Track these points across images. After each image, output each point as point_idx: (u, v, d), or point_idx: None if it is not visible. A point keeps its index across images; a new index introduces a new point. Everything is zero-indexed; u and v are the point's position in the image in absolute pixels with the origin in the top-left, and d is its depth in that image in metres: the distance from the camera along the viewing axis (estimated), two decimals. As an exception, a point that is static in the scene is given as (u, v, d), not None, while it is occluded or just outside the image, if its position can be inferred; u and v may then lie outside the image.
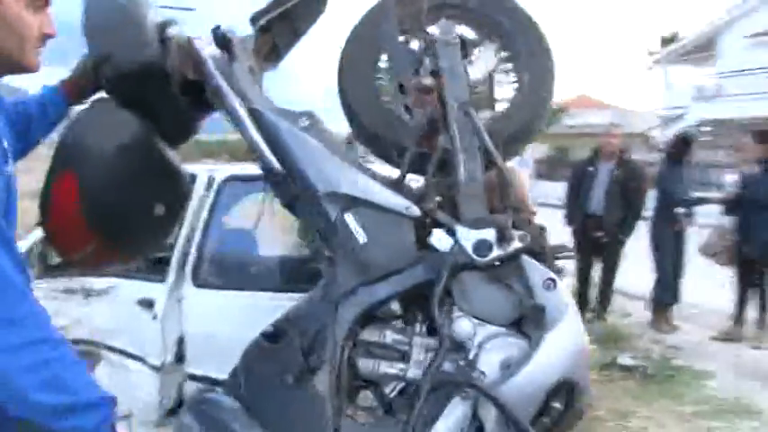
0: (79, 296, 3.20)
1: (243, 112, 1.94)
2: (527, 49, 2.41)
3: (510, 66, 2.44)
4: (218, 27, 2.08)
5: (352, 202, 1.86)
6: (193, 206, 2.96)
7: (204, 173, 3.04)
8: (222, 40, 2.06)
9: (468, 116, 2.01)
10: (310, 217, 1.99)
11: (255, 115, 1.96)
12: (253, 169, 3.00)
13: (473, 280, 1.86)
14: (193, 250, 2.90)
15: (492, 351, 1.79)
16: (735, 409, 4.18)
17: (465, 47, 2.29)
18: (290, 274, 3.10)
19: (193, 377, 2.81)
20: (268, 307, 2.83)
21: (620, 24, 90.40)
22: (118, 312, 3.07)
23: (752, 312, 5.75)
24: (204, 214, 2.93)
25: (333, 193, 1.86)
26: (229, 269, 3.13)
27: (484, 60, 2.36)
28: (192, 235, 2.92)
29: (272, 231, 3.24)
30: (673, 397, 4.29)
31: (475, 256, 1.84)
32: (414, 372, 1.84)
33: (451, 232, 1.87)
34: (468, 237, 1.86)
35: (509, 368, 1.75)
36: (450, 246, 1.84)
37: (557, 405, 1.80)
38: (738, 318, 5.77)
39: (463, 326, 1.81)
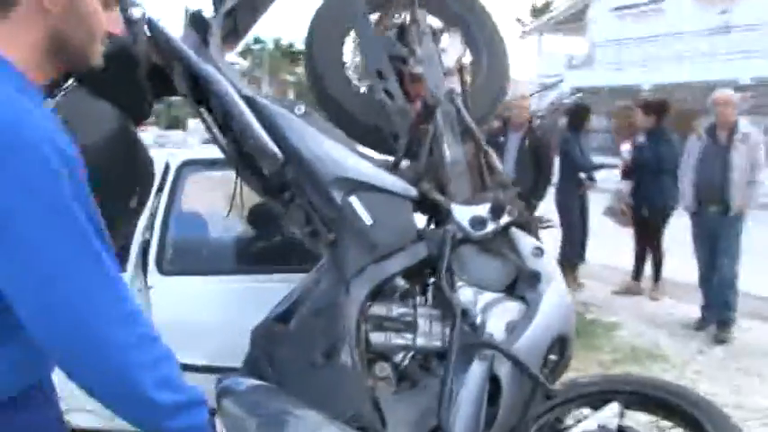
0: None
1: (238, 98, 1.96)
2: (483, 37, 2.56)
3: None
4: (199, 11, 2.08)
5: (357, 186, 1.96)
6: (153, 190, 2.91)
7: (161, 158, 2.99)
8: (202, 24, 2.06)
9: (453, 102, 2.14)
10: (311, 202, 2.05)
11: (250, 101, 1.98)
12: (209, 153, 3.00)
13: (470, 252, 2.02)
14: (156, 238, 2.86)
15: (496, 315, 1.96)
16: (645, 354, 4.66)
17: (434, 35, 2.41)
18: (253, 256, 3.13)
19: None
20: (236, 290, 2.87)
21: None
22: None
23: (648, 268, 6.34)
24: (163, 201, 2.89)
25: (337, 178, 1.94)
26: (193, 254, 3.11)
27: (453, 48, 2.48)
28: (152, 223, 2.88)
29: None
30: (592, 348, 4.68)
31: (472, 231, 2.00)
32: (421, 340, 1.97)
33: (448, 210, 2.01)
34: (464, 214, 2.01)
35: (514, 329, 1.93)
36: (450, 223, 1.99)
37: (553, 357, 2.00)
38: (637, 274, 6.35)
39: (466, 294, 1.98)
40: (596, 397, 2.08)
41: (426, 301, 2.05)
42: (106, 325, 1.08)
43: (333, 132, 2.03)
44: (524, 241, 2.06)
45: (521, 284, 2.03)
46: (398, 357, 1.99)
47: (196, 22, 2.08)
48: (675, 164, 5.88)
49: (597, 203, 6.44)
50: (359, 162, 1.99)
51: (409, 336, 1.98)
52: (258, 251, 3.18)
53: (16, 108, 1.07)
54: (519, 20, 36.47)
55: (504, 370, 1.88)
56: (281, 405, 1.83)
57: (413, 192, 2.02)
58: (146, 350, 1.10)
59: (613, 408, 1.96)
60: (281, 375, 1.98)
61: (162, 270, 2.84)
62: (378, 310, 1.99)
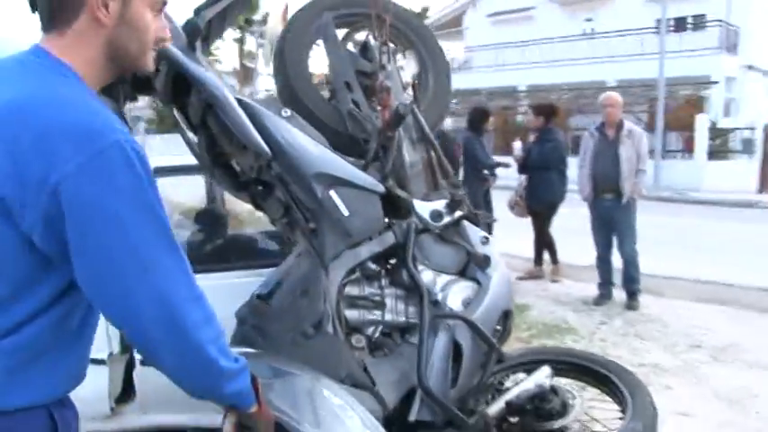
0: None
1: (232, 99, 2.10)
2: (431, 58, 2.89)
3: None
4: (195, 17, 2.25)
5: (335, 181, 2.18)
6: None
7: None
8: (194, 29, 2.21)
9: (414, 114, 2.47)
10: (292, 196, 2.23)
11: (242, 104, 2.13)
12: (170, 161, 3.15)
13: (430, 241, 2.35)
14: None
15: (454, 293, 2.29)
16: (556, 329, 5.22)
17: (393, 54, 2.72)
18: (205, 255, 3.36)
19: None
20: (207, 286, 3.06)
21: None
22: None
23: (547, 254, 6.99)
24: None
25: (318, 174, 2.15)
26: None
27: (409, 66, 2.80)
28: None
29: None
30: (510, 327, 5.18)
31: (431, 223, 2.34)
32: (389, 316, 2.24)
33: (410, 205, 2.33)
34: (424, 208, 2.35)
35: (469, 305, 2.27)
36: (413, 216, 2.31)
37: (499, 328, 2.35)
38: (537, 259, 6.99)
39: (427, 276, 2.28)
40: (530, 365, 2.51)
41: (391, 282, 2.33)
42: (186, 307, 1.22)
43: (313, 134, 2.25)
44: (473, 231, 2.43)
45: (471, 268, 2.38)
46: (369, 331, 2.24)
47: (190, 26, 2.20)
48: (562, 161, 6.60)
49: (500, 198, 7.00)
50: (336, 160, 2.22)
51: (378, 312, 2.25)
52: (208, 251, 3.39)
53: (98, 113, 1.19)
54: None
55: (464, 337, 2.20)
56: (279, 366, 2.03)
57: (380, 188, 2.28)
58: (211, 327, 1.25)
59: (545, 370, 2.37)
60: (275, 346, 2.18)
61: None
62: (351, 290, 2.24)
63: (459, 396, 2.17)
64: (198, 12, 2.31)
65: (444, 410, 2.04)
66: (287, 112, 2.25)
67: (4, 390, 1.20)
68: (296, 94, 2.51)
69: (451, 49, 31.21)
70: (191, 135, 2.50)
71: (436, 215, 2.34)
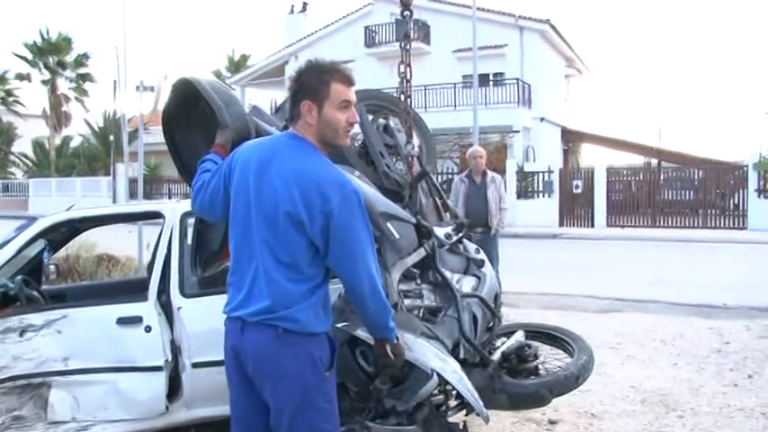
0: (14, 334, 3.53)
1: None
2: (423, 134, 4.04)
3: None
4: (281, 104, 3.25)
5: (389, 217, 3.16)
6: (165, 236, 3.78)
7: (168, 210, 3.88)
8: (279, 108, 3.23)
9: (427, 174, 3.60)
10: None
11: None
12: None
13: (444, 252, 3.47)
14: (176, 270, 3.72)
15: (464, 284, 3.44)
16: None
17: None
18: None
19: (197, 364, 3.65)
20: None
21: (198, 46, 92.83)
22: (80, 337, 3.58)
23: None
24: (176, 242, 3.78)
25: (381, 212, 3.13)
26: (203, 279, 3.96)
27: (416, 140, 3.89)
28: (169, 259, 3.74)
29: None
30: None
31: (446, 241, 3.47)
32: (426, 302, 3.28)
33: (431, 230, 3.43)
34: (440, 232, 3.47)
35: (476, 290, 3.42)
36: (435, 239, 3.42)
37: (493, 306, 3.53)
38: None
39: (447, 275, 3.40)
40: (508, 333, 3.74)
41: (423, 281, 3.38)
42: (377, 279, 2.30)
43: (373, 186, 3.23)
44: (469, 245, 3.63)
45: (471, 268, 3.55)
46: (415, 312, 3.24)
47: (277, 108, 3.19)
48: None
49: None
50: (388, 202, 3.20)
51: (419, 301, 3.29)
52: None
53: (340, 171, 2.33)
54: (218, 74, 37.55)
55: (477, 310, 3.35)
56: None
57: (413, 220, 3.32)
58: (380, 284, 2.34)
59: (521, 333, 3.65)
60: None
61: (185, 294, 3.71)
62: (402, 287, 3.26)
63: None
64: (274, 108, 3.43)
65: (478, 352, 3.15)
66: (356, 173, 3.20)
67: (313, 323, 2.30)
68: (348, 161, 3.40)
69: (276, 98, 32.45)
70: None
71: (447, 236, 3.46)
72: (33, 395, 3.60)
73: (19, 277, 3.91)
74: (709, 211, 19.88)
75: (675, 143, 63.61)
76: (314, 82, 2.30)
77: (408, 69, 3.52)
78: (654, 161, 27.46)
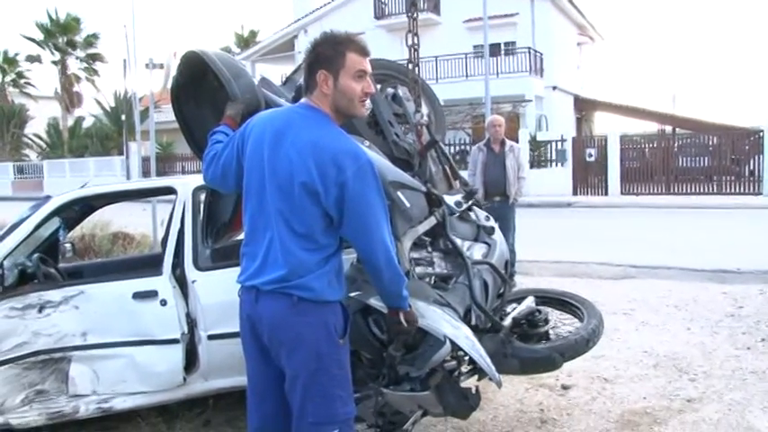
0: (34, 311, 3.61)
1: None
2: (432, 103, 4.04)
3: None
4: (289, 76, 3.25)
5: (400, 186, 3.17)
6: (178, 211, 3.82)
7: (180, 185, 3.90)
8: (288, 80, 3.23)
9: (435, 139, 3.60)
10: None
11: None
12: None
13: (454, 220, 3.48)
14: (189, 244, 3.76)
15: (475, 251, 3.46)
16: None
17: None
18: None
19: (213, 336, 3.70)
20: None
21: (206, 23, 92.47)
22: (98, 312, 3.64)
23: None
24: (189, 216, 3.81)
25: (391, 181, 3.15)
26: (216, 252, 3.99)
27: (425, 109, 3.89)
28: (182, 233, 3.78)
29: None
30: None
31: (456, 209, 3.47)
32: (437, 269, 3.29)
33: (441, 198, 3.44)
34: (450, 200, 3.48)
35: (486, 257, 3.44)
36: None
37: (503, 272, 3.55)
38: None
39: (457, 242, 3.42)
40: (519, 299, 3.75)
41: (434, 248, 3.39)
42: (391, 249, 2.33)
43: (382, 155, 3.25)
44: (480, 213, 3.62)
45: (482, 235, 3.56)
46: (426, 280, 3.25)
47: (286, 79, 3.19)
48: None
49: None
50: (398, 171, 3.20)
51: (430, 268, 3.30)
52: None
53: (354, 142, 2.35)
54: (227, 50, 37.58)
55: (488, 277, 3.37)
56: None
57: (424, 188, 3.33)
58: (394, 253, 2.36)
59: (531, 299, 3.67)
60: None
61: (199, 267, 3.76)
62: (413, 254, 3.27)
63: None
64: (285, 80, 3.46)
65: (489, 318, 3.17)
66: (366, 142, 3.21)
67: (327, 291, 2.33)
68: (357, 131, 3.42)
69: (285, 73, 32.34)
70: None
71: (458, 204, 3.46)
72: (54, 370, 3.69)
73: (36, 255, 3.96)
74: (724, 178, 19.63)
75: (690, 109, 62.45)
76: (329, 52, 2.31)
77: (416, 38, 3.50)
78: (668, 128, 27.16)
